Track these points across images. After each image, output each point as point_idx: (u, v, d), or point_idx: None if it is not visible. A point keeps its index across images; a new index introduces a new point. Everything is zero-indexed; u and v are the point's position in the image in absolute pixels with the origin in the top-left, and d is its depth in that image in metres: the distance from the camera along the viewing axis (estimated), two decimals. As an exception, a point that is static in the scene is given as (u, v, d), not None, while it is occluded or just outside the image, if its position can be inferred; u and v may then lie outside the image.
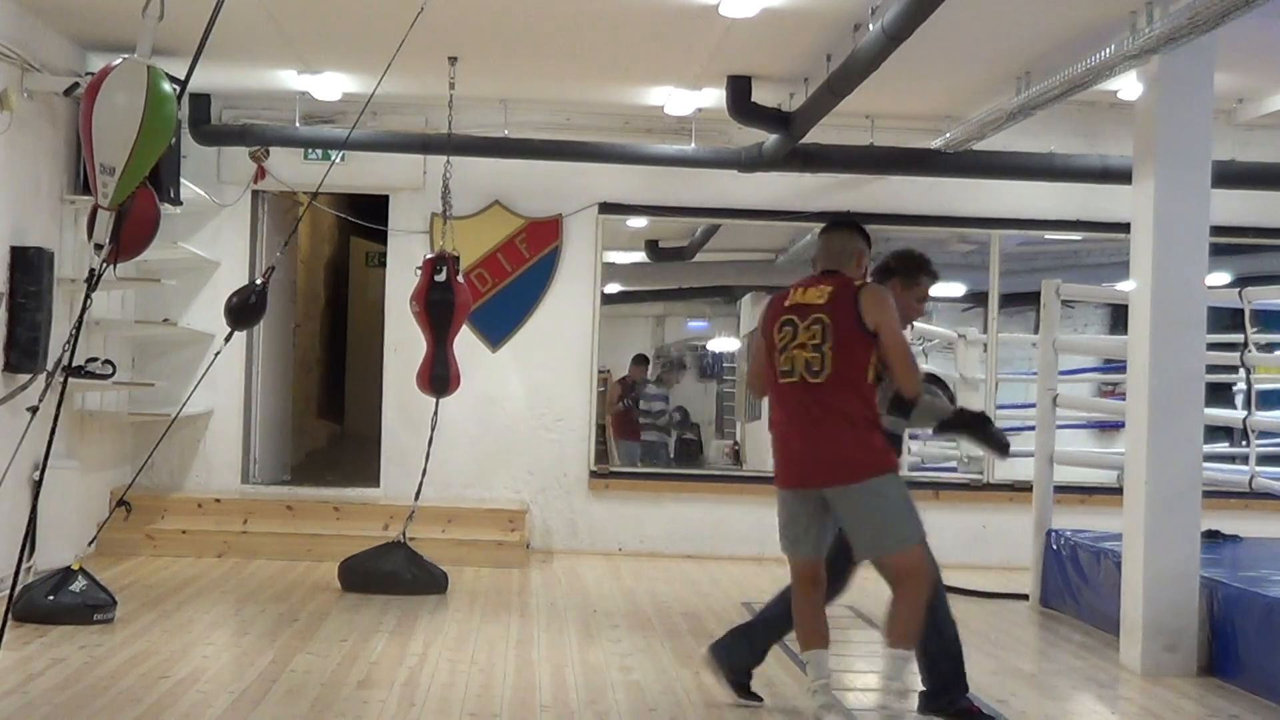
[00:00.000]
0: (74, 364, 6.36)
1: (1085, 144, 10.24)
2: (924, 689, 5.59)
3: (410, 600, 8.11)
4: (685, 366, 15.57)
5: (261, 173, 10.38)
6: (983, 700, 5.83)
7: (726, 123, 9.64)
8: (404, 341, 10.11)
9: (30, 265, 7.91)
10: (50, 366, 7.45)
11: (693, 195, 10.72)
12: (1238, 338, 8.52)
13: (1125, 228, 7.22)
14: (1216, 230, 7.07)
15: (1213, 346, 8.00)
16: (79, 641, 6.60)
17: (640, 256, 14.36)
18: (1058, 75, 7.76)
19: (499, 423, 10.60)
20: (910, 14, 6.34)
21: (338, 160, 9.27)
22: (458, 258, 8.76)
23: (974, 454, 10.42)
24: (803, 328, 5.37)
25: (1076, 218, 10.82)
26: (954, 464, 11.27)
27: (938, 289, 6.12)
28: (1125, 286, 7.58)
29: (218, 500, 10.11)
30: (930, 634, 5.43)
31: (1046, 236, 11.73)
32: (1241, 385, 9.57)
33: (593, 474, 10.70)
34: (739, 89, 9.06)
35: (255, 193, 10.61)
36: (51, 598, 6.99)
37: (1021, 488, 9.63)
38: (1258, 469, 8.29)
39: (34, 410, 5.63)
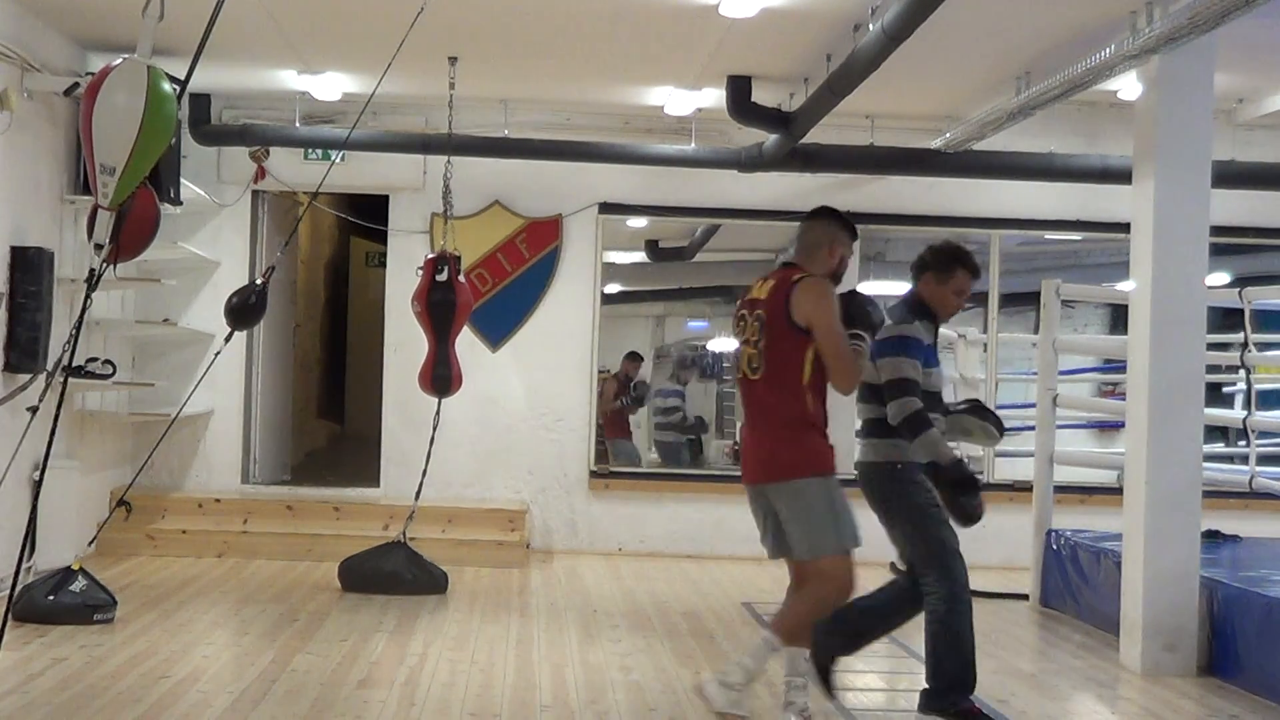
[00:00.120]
0: (74, 364, 6.37)
1: (1085, 144, 10.25)
2: (926, 687, 5.53)
3: (410, 600, 8.11)
4: (696, 365, 15.52)
5: (261, 173, 10.38)
6: (984, 701, 5.82)
7: (726, 123, 9.64)
8: (404, 341, 10.12)
9: (30, 265, 7.91)
10: (50, 366, 7.44)
11: (693, 195, 10.72)
12: (1238, 338, 8.52)
13: (1125, 228, 7.22)
14: (1216, 230, 7.07)
15: (1212, 346, 8.00)
16: (79, 641, 6.61)
17: (640, 256, 14.32)
18: (1058, 75, 7.75)
19: (499, 423, 10.60)
20: (910, 14, 6.34)
21: (338, 160, 9.28)
22: (459, 258, 8.76)
23: (974, 454, 10.41)
24: (749, 323, 5.26)
25: (1076, 218, 10.83)
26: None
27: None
28: (1125, 286, 7.58)
29: (218, 500, 10.11)
30: (941, 634, 5.40)
31: (1046, 236, 11.72)
32: (1239, 386, 9.58)
33: (593, 474, 10.70)
34: (739, 89, 9.06)
35: (255, 193, 10.61)
36: (52, 598, 6.99)
37: (1021, 487, 9.63)
38: (1258, 469, 8.29)
39: (34, 410, 5.64)
